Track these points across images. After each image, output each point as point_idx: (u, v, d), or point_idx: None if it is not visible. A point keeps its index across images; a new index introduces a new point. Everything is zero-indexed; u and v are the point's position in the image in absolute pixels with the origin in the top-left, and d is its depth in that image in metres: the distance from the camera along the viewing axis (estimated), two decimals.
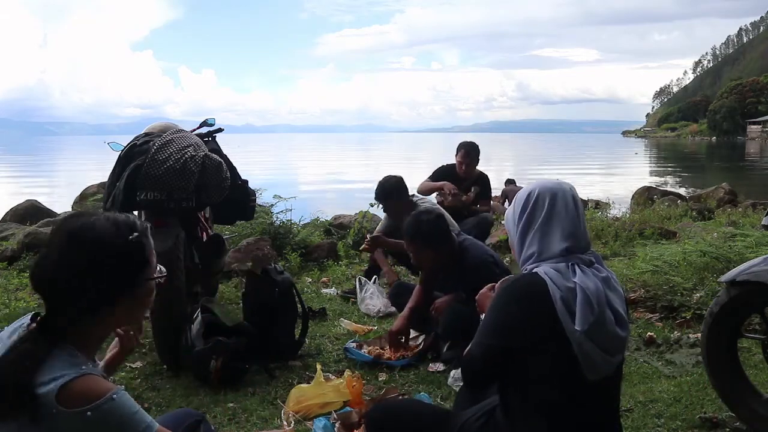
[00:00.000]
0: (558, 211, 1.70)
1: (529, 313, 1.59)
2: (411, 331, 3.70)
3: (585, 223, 1.74)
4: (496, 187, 5.86)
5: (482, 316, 1.92)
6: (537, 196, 1.73)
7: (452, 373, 3.12)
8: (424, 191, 5.49)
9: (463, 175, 5.37)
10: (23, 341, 1.29)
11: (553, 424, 1.61)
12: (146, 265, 1.39)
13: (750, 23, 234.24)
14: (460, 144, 5.49)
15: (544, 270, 1.62)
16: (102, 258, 1.31)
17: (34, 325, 1.33)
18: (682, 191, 15.21)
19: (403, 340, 3.47)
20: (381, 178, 4.49)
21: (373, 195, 4.77)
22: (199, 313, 3.28)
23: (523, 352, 1.60)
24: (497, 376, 1.71)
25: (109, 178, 3.54)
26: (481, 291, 1.97)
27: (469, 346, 1.73)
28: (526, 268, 1.70)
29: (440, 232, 3.28)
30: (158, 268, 1.44)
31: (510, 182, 11.24)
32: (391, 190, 4.37)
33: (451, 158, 5.56)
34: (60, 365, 1.24)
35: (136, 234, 1.36)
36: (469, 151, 5.37)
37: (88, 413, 1.19)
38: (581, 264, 1.65)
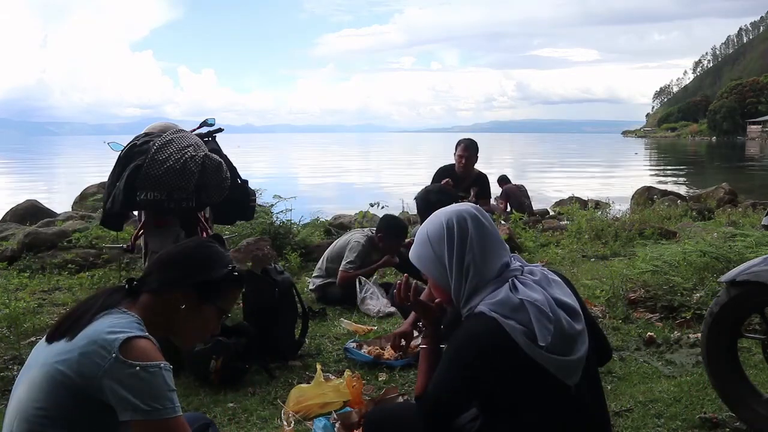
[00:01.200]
0: (484, 229, 1.67)
1: (492, 364, 1.54)
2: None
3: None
4: (492, 183, 5.86)
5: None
6: (457, 223, 1.67)
7: None
8: None
9: (462, 173, 5.36)
10: (104, 291, 1.57)
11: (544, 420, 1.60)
12: (220, 296, 1.64)
13: (750, 23, 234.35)
14: (459, 140, 5.50)
15: (489, 309, 1.55)
16: (199, 257, 1.63)
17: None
18: (682, 191, 15.21)
19: (403, 344, 3.45)
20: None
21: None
22: None
23: (494, 394, 1.57)
24: (458, 415, 1.70)
25: (109, 178, 3.54)
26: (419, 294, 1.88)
27: (427, 389, 1.64)
28: (470, 306, 1.63)
29: (434, 206, 3.20)
30: (225, 313, 1.70)
31: (504, 180, 10.66)
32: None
33: (450, 158, 5.56)
34: (129, 325, 1.45)
35: (231, 267, 1.65)
36: (469, 146, 5.38)
37: (137, 368, 1.37)
38: (518, 277, 1.62)
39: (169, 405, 1.39)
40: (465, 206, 1.74)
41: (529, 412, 1.58)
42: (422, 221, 3.25)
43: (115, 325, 1.43)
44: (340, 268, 4.71)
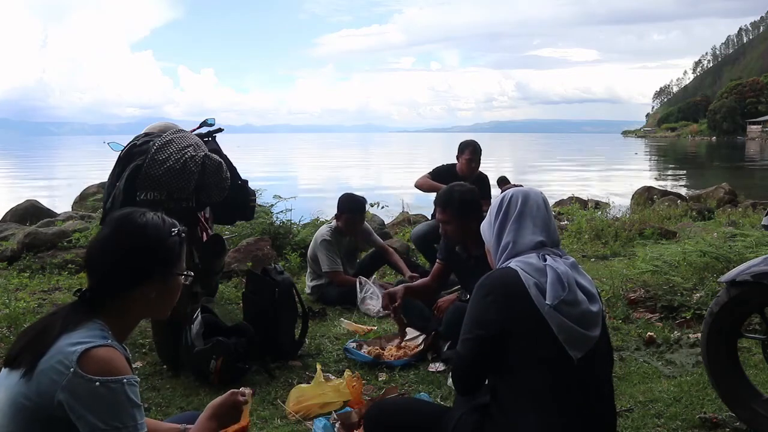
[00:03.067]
0: (530, 208, 1.86)
1: (505, 300, 1.68)
2: (412, 330, 3.70)
3: (555, 223, 1.91)
4: (492, 185, 5.86)
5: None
6: (510, 197, 1.90)
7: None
8: (425, 187, 5.46)
9: (464, 174, 5.35)
10: (62, 309, 1.43)
11: (542, 410, 1.62)
12: (179, 261, 1.52)
13: (750, 23, 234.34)
14: (465, 143, 5.43)
15: (515, 263, 1.74)
16: (145, 242, 1.46)
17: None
18: (682, 191, 15.20)
19: (396, 304, 3.22)
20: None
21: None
22: (199, 313, 3.28)
23: (506, 339, 1.66)
24: (486, 373, 1.76)
25: (109, 178, 3.54)
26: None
27: (456, 349, 1.80)
28: (501, 265, 1.80)
29: (471, 204, 3.20)
30: (186, 271, 1.56)
31: (503, 181, 10.69)
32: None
33: (451, 158, 5.55)
34: (90, 334, 1.33)
35: (176, 230, 1.52)
36: (476, 150, 5.37)
37: (97, 383, 1.26)
38: (552, 254, 1.78)
39: (130, 423, 1.28)
40: (531, 188, 1.96)
41: (529, 370, 1.65)
42: (442, 215, 3.24)
43: (75, 337, 1.32)
44: (327, 270, 4.74)
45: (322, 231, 4.91)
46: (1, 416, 1.32)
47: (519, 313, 1.66)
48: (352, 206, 4.89)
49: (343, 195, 4.99)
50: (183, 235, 1.54)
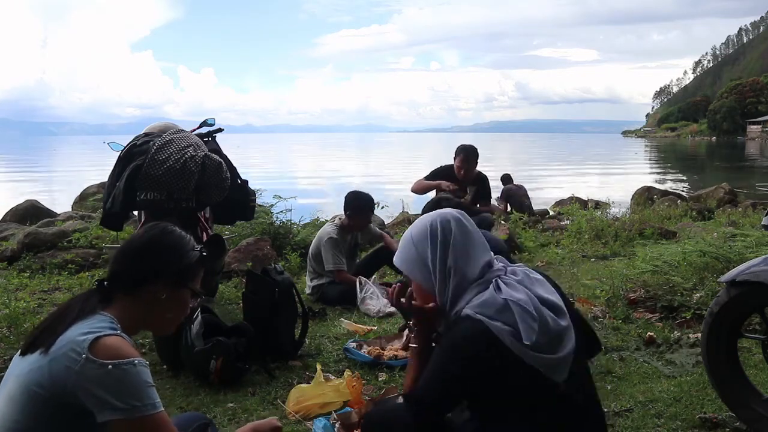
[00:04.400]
0: (466, 230, 1.71)
1: (483, 367, 1.55)
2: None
3: (481, 233, 1.76)
4: (495, 186, 5.84)
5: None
6: (439, 224, 1.71)
7: None
8: (420, 190, 5.46)
9: (461, 177, 5.34)
10: (77, 298, 1.51)
11: (532, 423, 1.60)
12: (194, 278, 1.63)
13: (750, 23, 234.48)
14: (459, 148, 5.43)
15: (475, 311, 1.57)
16: (164, 243, 1.59)
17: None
18: (682, 191, 15.20)
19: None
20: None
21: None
22: (199, 313, 3.28)
23: (481, 388, 1.58)
24: (448, 412, 1.68)
25: (109, 178, 3.55)
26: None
27: (416, 389, 1.66)
28: (456, 309, 1.64)
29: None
30: (199, 291, 1.66)
31: (507, 179, 10.62)
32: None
33: (451, 158, 5.55)
34: (100, 325, 1.40)
35: (198, 248, 1.64)
36: (468, 156, 5.31)
37: (110, 366, 1.32)
38: (501, 277, 1.64)
39: (147, 401, 1.34)
40: (448, 210, 1.79)
41: (518, 410, 1.59)
42: None
43: (86, 327, 1.39)
44: (332, 268, 4.73)
45: (327, 229, 4.89)
46: (10, 405, 1.35)
47: (498, 371, 1.54)
48: (361, 204, 4.86)
49: (349, 194, 4.94)
50: (204, 255, 1.64)
